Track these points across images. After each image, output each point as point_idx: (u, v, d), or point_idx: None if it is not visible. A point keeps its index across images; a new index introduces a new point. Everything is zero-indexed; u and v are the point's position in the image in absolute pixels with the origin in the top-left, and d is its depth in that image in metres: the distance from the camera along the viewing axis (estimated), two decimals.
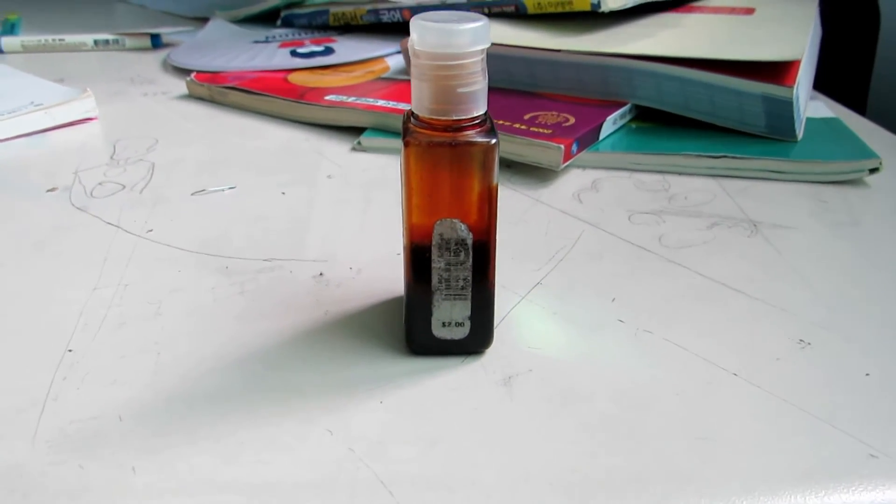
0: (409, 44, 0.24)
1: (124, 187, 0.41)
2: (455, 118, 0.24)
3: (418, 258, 0.26)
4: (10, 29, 0.78)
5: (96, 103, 0.52)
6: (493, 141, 0.24)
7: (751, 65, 0.44)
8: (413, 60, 0.24)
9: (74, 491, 0.21)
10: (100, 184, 0.41)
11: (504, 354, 0.27)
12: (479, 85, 0.24)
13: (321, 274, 0.32)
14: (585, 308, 0.30)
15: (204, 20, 0.80)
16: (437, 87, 0.24)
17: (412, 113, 0.25)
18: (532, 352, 0.27)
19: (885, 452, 0.23)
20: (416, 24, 0.23)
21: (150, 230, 0.36)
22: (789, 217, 0.38)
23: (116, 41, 0.73)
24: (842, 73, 0.72)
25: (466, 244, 0.25)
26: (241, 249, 0.34)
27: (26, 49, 0.71)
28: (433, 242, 0.25)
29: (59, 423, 0.24)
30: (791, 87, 0.43)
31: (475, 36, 0.23)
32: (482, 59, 0.24)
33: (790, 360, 0.27)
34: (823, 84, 0.58)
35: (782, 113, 0.44)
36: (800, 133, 0.45)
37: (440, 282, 0.26)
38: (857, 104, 0.75)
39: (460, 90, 0.24)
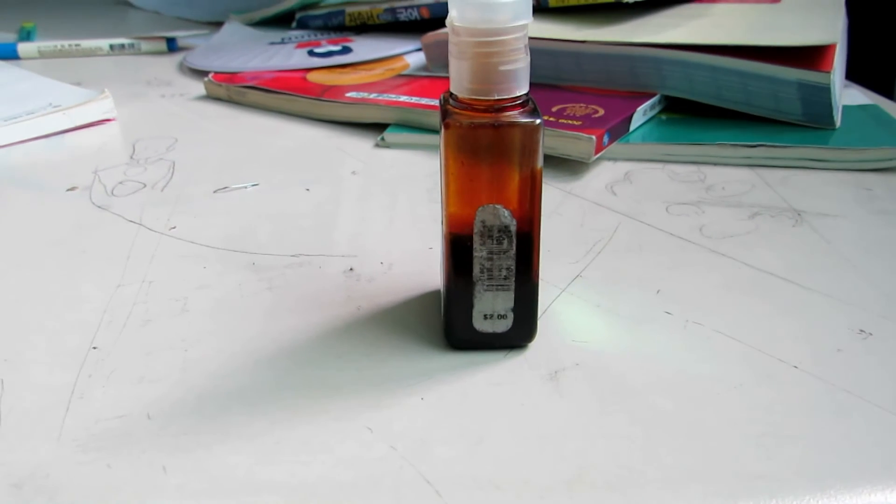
0: (448, 21, 0.23)
1: (145, 186, 0.40)
2: (497, 98, 0.23)
3: (458, 247, 0.24)
4: (27, 36, 0.78)
5: (114, 104, 0.51)
6: (538, 121, 0.23)
7: (784, 51, 0.43)
8: (451, 38, 0.23)
9: (103, 491, 0.20)
10: (120, 183, 0.40)
11: (548, 348, 0.26)
12: (521, 63, 0.23)
13: (351, 269, 0.31)
14: (629, 300, 0.29)
15: (218, 24, 0.79)
16: (478, 65, 0.23)
17: (451, 94, 0.24)
18: (577, 345, 0.26)
19: None
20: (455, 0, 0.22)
21: (173, 227, 0.35)
22: (834, 206, 0.36)
23: (132, 45, 0.72)
24: (868, 62, 0.70)
25: (510, 231, 0.24)
26: (267, 245, 0.33)
27: (43, 54, 0.71)
28: (475, 230, 0.24)
29: (85, 422, 0.23)
30: (828, 72, 0.42)
31: (517, 10, 0.22)
32: (525, 35, 0.23)
33: (852, 352, 0.26)
34: (852, 73, 0.57)
35: (819, 100, 0.42)
36: (838, 120, 0.43)
37: (482, 272, 0.24)
38: (885, 90, 0.73)
39: (502, 68, 0.22)
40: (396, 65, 0.58)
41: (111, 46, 0.72)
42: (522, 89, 0.23)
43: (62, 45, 0.71)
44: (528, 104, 0.23)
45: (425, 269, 0.31)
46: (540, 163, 0.23)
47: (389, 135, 0.46)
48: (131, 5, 0.99)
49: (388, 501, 0.20)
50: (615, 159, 0.43)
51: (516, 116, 0.23)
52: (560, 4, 0.55)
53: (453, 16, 0.23)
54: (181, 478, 0.21)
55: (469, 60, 0.23)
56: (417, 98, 0.48)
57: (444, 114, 0.23)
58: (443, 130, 0.23)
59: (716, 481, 0.20)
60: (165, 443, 0.22)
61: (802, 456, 0.21)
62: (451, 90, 0.24)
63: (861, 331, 0.27)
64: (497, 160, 0.23)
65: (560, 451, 0.21)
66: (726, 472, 0.21)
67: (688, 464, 0.21)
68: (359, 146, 0.46)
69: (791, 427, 0.22)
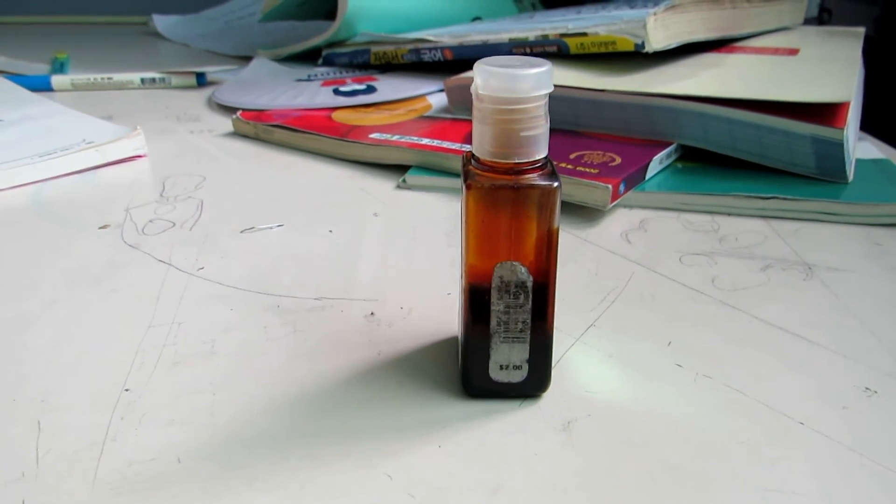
0: (473, 88, 0.24)
1: (174, 224, 0.42)
2: (517, 161, 0.24)
3: (476, 300, 0.25)
4: (60, 67, 0.81)
5: (145, 141, 0.53)
6: (556, 184, 0.24)
7: (799, 106, 0.44)
8: (476, 104, 0.24)
9: None
10: (150, 221, 0.42)
11: (561, 398, 0.27)
12: (541, 129, 0.24)
13: (372, 313, 0.32)
14: (641, 351, 0.30)
15: (247, 59, 0.82)
16: (500, 131, 0.24)
17: (473, 156, 0.25)
18: (590, 396, 0.27)
19: None
20: (479, 68, 0.24)
21: (202, 268, 0.37)
22: (844, 260, 0.37)
23: (162, 79, 0.75)
24: (886, 114, 0.71)
25: (526, 287, 0.25)
26: (291, 287, 0.35)
27: (76, 87, 0.74)
28: (493, 285, 0.25)
29: (118, 465, 0.24)
30: (841, 128, 0.43)
31: (539, 81, 0.23)
32: (545, 104, 0.24)
33: (857, 409, 0.26)
34: (868, 125, 0.58)
35: (833, 154, 0.43)
36: (850, 174, 0.44)
37: (499, 324, 0.25)
38: None
39: (523, 134, 0.24)
40: (419, 105, 0.60)
41: (142, 80, 0.74)
42: (542, 153, 0.24)
43: (95, 79, 0.74)
44: (546, 167, 0.25)
45: (443, 314, 0.32)
46: (556, 223, 0.25)
47: (411, 177, 0.47)
48: (162, 37, 1.02)
49: None
50: (631, 207, 0.44)
51: (535, 179, 0.24)
52: (581, 52, 0.57)
53: (478, 83, 0.24)
54: None
55: (491, 126, 0.24)
56: (439, 141, 0.49)
57: (466, 175, 0.25)
58: (464, 191, 0.24)
59: None
60: (194, 487, 0.23)
61: None
62: (474, 151, 0.25)
63: (867, 388, 0.27)
64: (515, 219, 0.24)
65: (573, 502, 0.22)
66: None
67: None
68: (381, 187, 0.47)
69: (795, 484, 0.23)
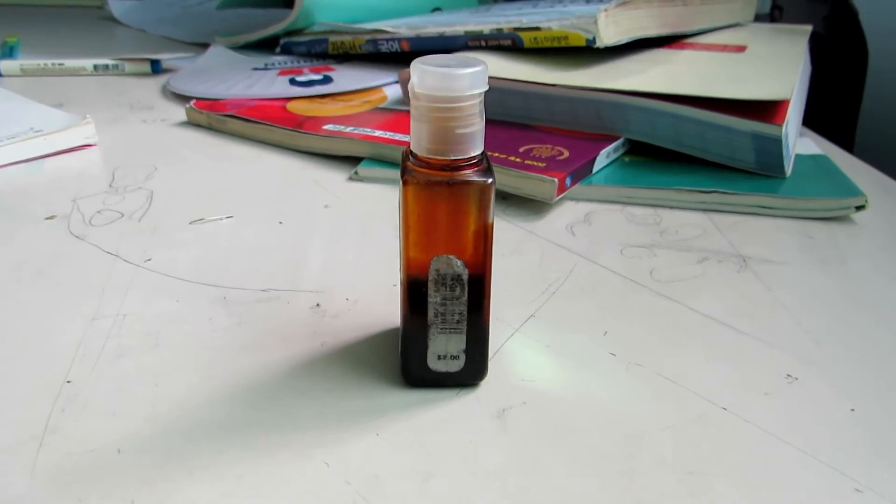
0: (410, 86, 0.25)
1: (123, 215, 0.41)
2: (453, 158, 0.25)
3: (415, 292, 0.26)
4: (9, 52, 0.79)
5: (95, 130, 0.53)
6: (490, 181, 0.25)
7: (741, 103, 0.45)
8: (413, 102, 0.25)
9: None
10: (98, 212, 0.42)
11: (498, 387, 0.28)
12: (476, 126, 0.25)
13: (318, 305, 0.33)
14: (578, 341, 0.31)
15: (204, 46, 0.81)
16: (436, 128, 0.24)
17: (411, 152, 0.26)
18: (525, 385, 0.28)
19: (870, 487, 0.23)
20: (416, 67, 0.24)
21: (149, 259, 0.37)
22: (778, 252, 0.39)
23: (116, 66, 0.74)
24: (830, 111, 0.74)
25: (462, 280, 0.26)
26: (239, 279, 0.35)
27: (25, 72, 0.72)
28: (430, 278, 0.26)
29: (58, 457, 0.24)
30: (780, 125, 0.44)
31: (473, 80, 0.24)
32: (480, 102, 0.25)
33: (778, 395, 0.28)
34: (812, 120, 0.60)
35: (771, 150, 0.45)
36: (788, 170, 0.46)
37: (436, 316, 0.26)
38: (845, 141, 0.76)
39: (458, 131, 0.24)
40: (375, 97, 0.60)
41: (95, 67, 0.73)
42: (477, 150, 0.25)
43: (46, 64, 0.73)
44: (482, 163, 0.25)
45: (387, 306, 0.33)
46: (491, 217, 0.25)
47: (363, 169, 0.48)
48: (117, 22, 1.01)
49: None
50: (577, 200, 0.45)
51: (470, 175, 0.25)
52: (534, 46, 0.57)
53: (414, 82, 0.24)
54: None
55: (428, 123, 0.25)
56: (392, 133, 0.50)
57: (404, 170, 0.25)
58: (402, 186, 0.25)
59: None
60: (134, 477, 0.23)
61: (724, 493, 0.23)
62: (412, 148, 0.26)
63: (789, 375, 0.29)
64: (451, 214, 0.25)
65: (502, 486, 0.23)
66: None
67: (618, 499, 0.23)
68: (333, 179, 0.47)
69: (715, 466, 0.24)
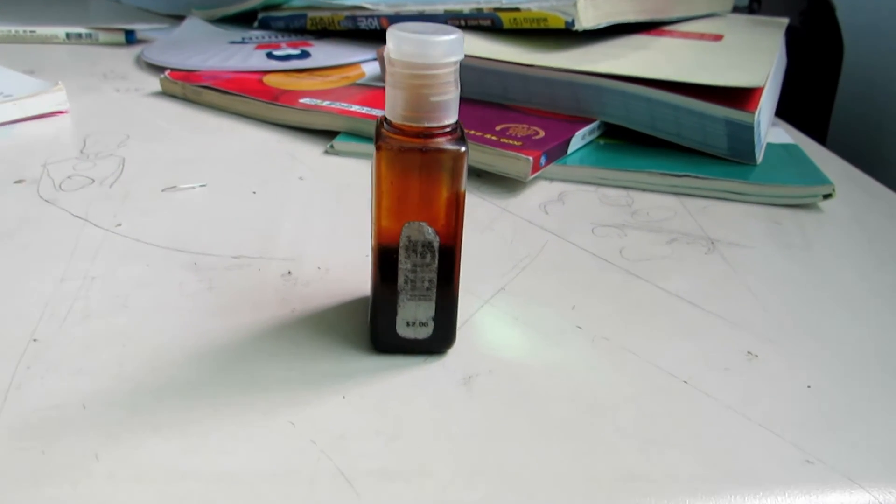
0: (385, 52, 0.25)
1: (94, 181, 0.41)
2: (427, 125, 0.25)
3: (385, 259, 0.26)
4: None
5: (67, 97, 0.52)
6: (463, 149, 0.25)
7: (715, 89, 0.46)
8: (388, 68, 0.25)
9: (36, 477, 0.22)
10: (69, 177, 0.41)
11: (465, 355, 0.28)
12: (451, 95, 0.25)
13: (289, 272, 0.33)
14: (546, 315, 0.31)
15: (179, 18, 0.80)
16: (411, 95, 0.25)
17: (385, 118, 0.26)
18: (493, 354, 0.28)
19: (821, 459, 0.24)
20: (392, 33, 0.24)
21: (119, 224, 0.36)
22: (745, 236, 0.39)
23: (89, 35, 0.72)
24: (804, 104, 0.75)
25: (433, 247, 0.26)
26: (211, 246, 0.35)
27: None
28: (400, 244, 0.26)
29: (22, 412, 0.24)
30: (752, 112, 0.45)
31: (449, 48, 0.24)
32: (455, 71, 0.25)
33: (738, 371, 0.28)
34: (787, 112, 0.61)
35: (743, 137, 0.46)
36: (759, 157, 0.47)
37: (406, 282, 0.26)
38: (819, 133, 0.78)
39: (433, 99, 0.25)
40: (352, 73, 0.60)
41: (68, 35, 0.72)
42: (451, 118, 0.25)
43: (16, 31, 0.71)
44: (456, 132, 0.26)
45: (359, 275, 0.33)
46: (463, 186, 0.26)
47: (339, 143, 0.48)
48: None
49: (303, 490, 0.22)
50: (552, 179, 0.45)
51: (444, 143, 0.25)
52: (513, 27, 0.57)
53: (390, 48, 0.25)
54: (112, 465, 0.22)
55: (402, 90, 0.25)
56: (368, 108, 0.50)
57: (378, 136, 0.25)
58: (375, 152, 0.25)
59: (599, 481, 0.23)
60: (99, 432, 0.23)
61: (679, 461, 0.24)
62: (386, 115, 0.26)
63: (749, 352, 0.30)
64: (424, 182, 0.25)
65: (464, 449, 0.24)
66: (609, 475, 0.23)
67: (576, 466, 0.23)
68: (309, 152, 0.47)
69: (672, 436, 0.25)
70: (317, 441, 0.23)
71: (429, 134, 0.25)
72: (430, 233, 0.26)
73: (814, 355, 0.30)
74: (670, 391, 0.27)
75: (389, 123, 0.25)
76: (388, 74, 0.25)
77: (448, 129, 0.25)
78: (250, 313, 0.30)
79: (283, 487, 0.22)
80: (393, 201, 0.25)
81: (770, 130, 0.53)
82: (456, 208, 0.26)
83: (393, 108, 0.25)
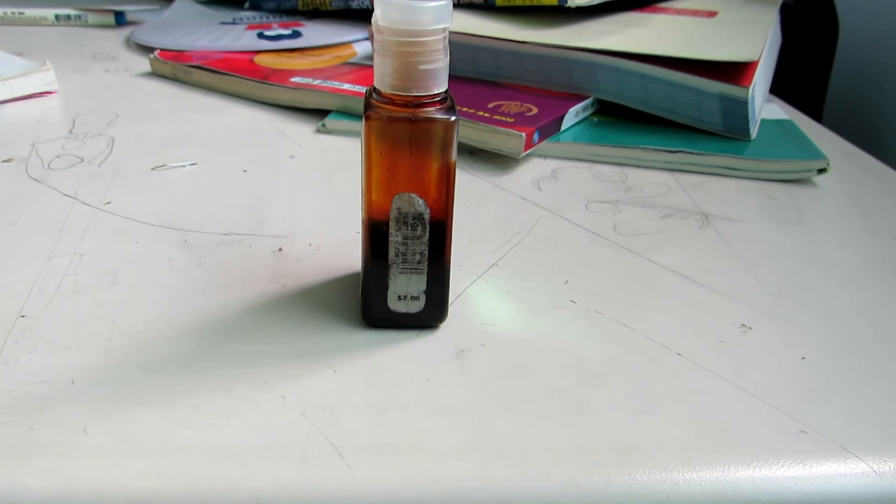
0: (373, 19, 0.24)
1: (83, 160, 0.41)
2: (416, 94, 0.25)
3: (376, 232, 0.26)
4: None
5: (56, 77, 0.51)
6: (453, 118, 0.25)
7: (709, 64, 0.45)
8: (376, 36, 0.25)
9: (24, 450, 0.21)
10: (58, 156, 0.41)
11: (458, 329, 0.28)
12: (440, 63, 0.25)
13: (280, 249, 0.33)
14: (539, 289, 0.31)
15: (170, 0, 0.79)
16: (399, 63, 0.24)
17: (374, 88, 0.25)
18: (485, 328, 0.28)
19: (815, 429, 0.24)
20: (380, 0, 0.24)
21: (108, 203, 0.36)
22: (739, 211, 0.39)
23: (78, 17, 0.72)
24: (800, 83, 0.74)
25: (424, 219, 0.26)
26: (201, 224, 0.34)
27: None
28: (391, 216, 0.26)
29: (9, 387, 0.24)
30: (747, 87, 0.44)
31: (438, 14, 0.24)
32: (444, 38, 0.24)
33: (731, 343, 0.28)
34: (783, 91, 0.60)
35: (738, 112, 0.45)
36: (754, 132, 0.46)
37: (397, 255, 0.26)
38: (815, 111, 0.77)
39: (421, 67, 0.24)
40: (344, 52, 0.59)
41: (56, 17, 0.71)
42: (441, 87, 0.25)
43: (4, 13, 0.70)
44: (445, 101, 0.25)
45: (350, 251, 0.32)
46: (454, 156, 0.25)
47: (330, 121, 0.47)
48: None
49: (294, 462, 0.22)
50: (545, 156, 0.45)
51: (433, 113, 0.25)
52: (506, 4, 0.57)
53: (378, 15, 0.24)
54: (101, 438, 0.22)
55: (391, 58, 0.24)
56: (360, 87, 0.49)
57: (367, 106, 0.25)
58: (364, 122, 0.25)
59: (592, 452, 0.23)
60: (88, 406, 0.23)
61: (672, 432, 0.24)
62: (375, 84, 0.25)
63: (743, 325, 0.29)
64: (414, 152, 0.25)
65: (457, 422, 0.23)
66: (603, 445, 0.23)
67: (570, 437, 0.23)
68: (300, 131, 0.47)
69: (665, 407, 0.25)
70: (308, 415, 0.23)
71: (418, 103, 0.25)
72: (420, 204, 0.25)
73: (807, 327, 0.30)
74: (664, 363, 0.27)
75: (378, 93, 0.25)
76: (377, 42, 0.25)
77: (438, 99, 0.25)
78: (240, 289, 0.29)
79: (274, 461, 0.22)
80: (383, 172, 0.25)
81: (765, 107, 0.53)
82: (447, 179, 0.25)
83: (382, 76, 0.25)
